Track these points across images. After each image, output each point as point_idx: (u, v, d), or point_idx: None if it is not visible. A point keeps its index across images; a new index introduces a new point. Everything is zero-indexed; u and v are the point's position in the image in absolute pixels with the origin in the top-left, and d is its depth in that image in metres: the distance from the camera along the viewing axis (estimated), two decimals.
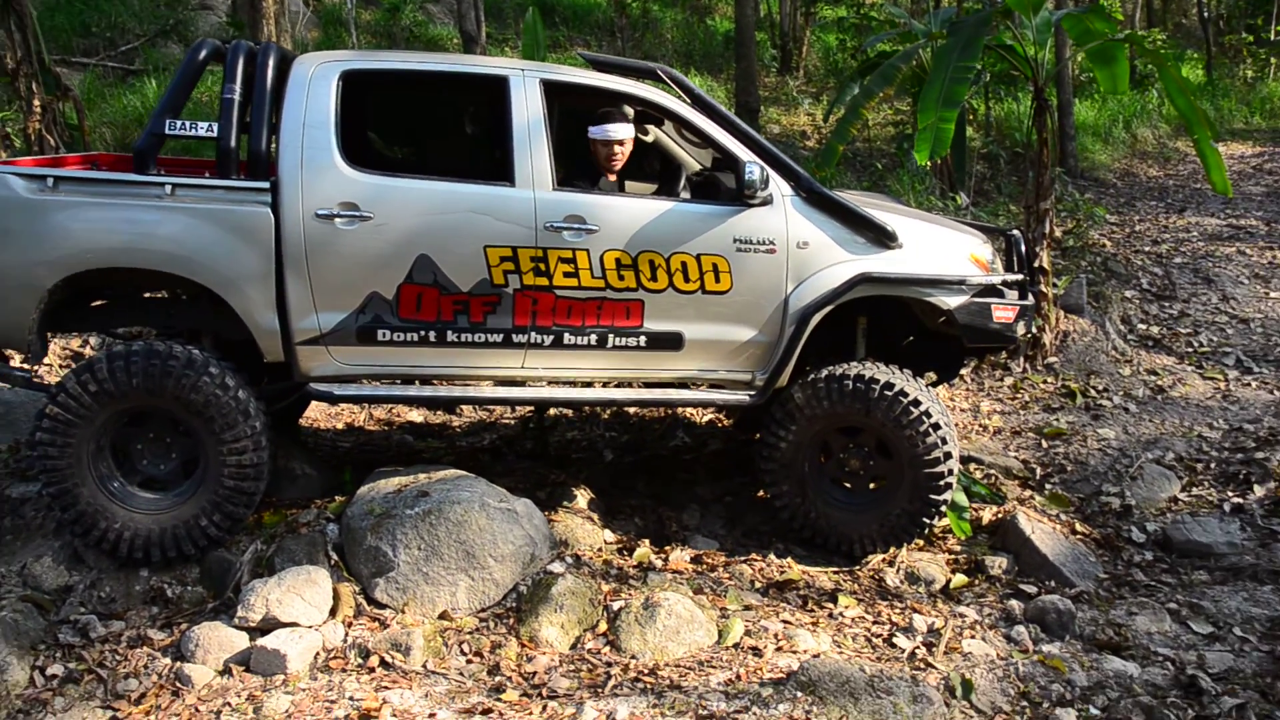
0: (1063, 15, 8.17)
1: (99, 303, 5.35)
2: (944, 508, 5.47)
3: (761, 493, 5.69)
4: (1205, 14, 22.60)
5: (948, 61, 7.32)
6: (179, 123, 4.89)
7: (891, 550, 5.49)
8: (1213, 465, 6.58)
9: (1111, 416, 7.30)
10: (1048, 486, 6.38)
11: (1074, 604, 5.07)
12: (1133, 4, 21.82)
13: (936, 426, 5.24)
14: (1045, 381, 7.91)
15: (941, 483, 5.31)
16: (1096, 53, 7.76)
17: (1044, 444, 6.92)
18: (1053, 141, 9.74)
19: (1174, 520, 5.96)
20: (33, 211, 4.62)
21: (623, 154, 5.42)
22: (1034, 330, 7.45)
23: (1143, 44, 9.38)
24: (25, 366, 5.78)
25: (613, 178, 5.52)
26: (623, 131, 5.36)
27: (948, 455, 5.28)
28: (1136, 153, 15.44)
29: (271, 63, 4.97)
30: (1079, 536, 5.84)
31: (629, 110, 5.47)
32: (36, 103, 8.37)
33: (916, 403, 5.20)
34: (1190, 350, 8.53)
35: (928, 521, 5.42)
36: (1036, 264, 7.96)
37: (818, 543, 5.53)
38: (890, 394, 5.20)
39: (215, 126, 4.87)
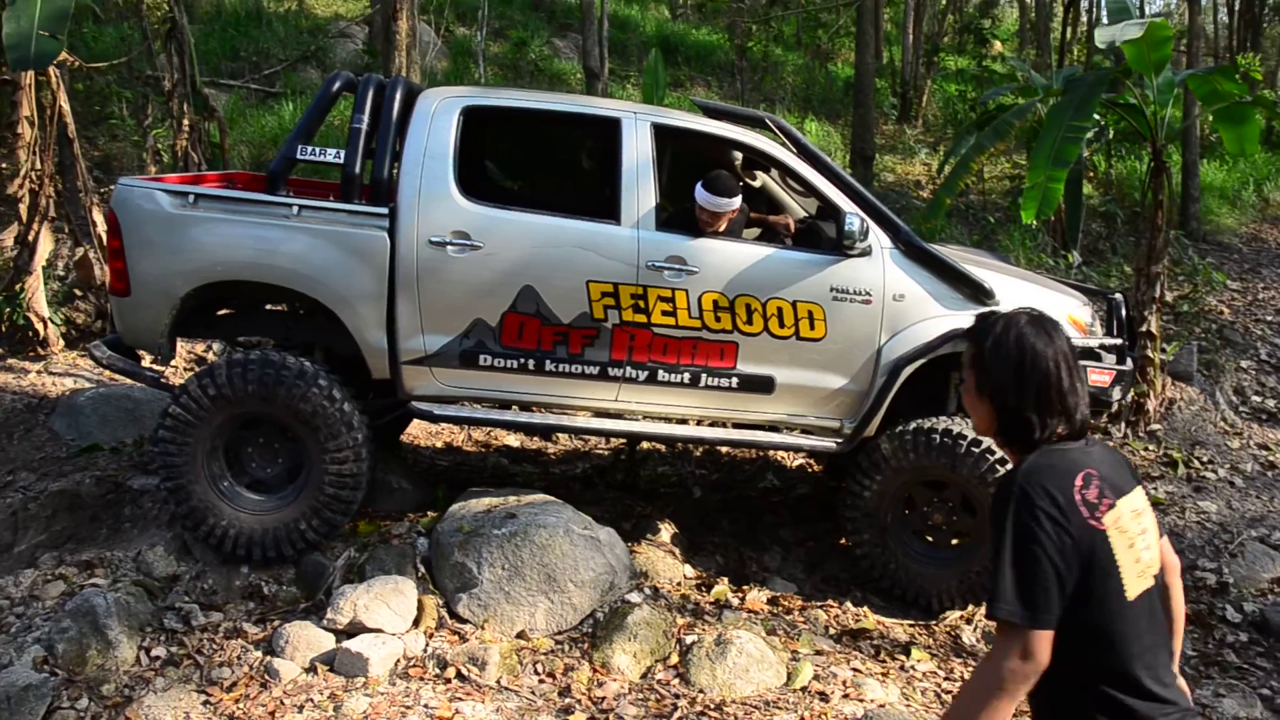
0: (1188, 75, 8.02)
1: (224, 313, 5.70)
2: None
3: (843, 539, 5.72)
4: None
5: (1061, 120, 7.28)
6: (310, 148, 5.24)
7: (970, 608, 5.45)
8: None
9: (1215, 490, 7.09)
10: None
11: None
12: (1276, 61, 21.10)
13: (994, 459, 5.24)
14: (1147, 449, 7.72)
15: None
16: (1223, 114, 7.61)
17: None
18: (1170, 203, 9.52)
19: (1275, 603, 5.78)
20: (174, 225, 4.99)
21: (724, 224, 5.38)
22: (1130, 396, 7.32)
23: (1273, 108, 9.13)
24: (155, 367, 6.18)
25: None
26: (729, 205, 5.29)
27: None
28: (1267, 217, 14.87)
29: (399, 95, 5.29)
30: None
31: (739, 182, 5.54)
32: (186, 122, 8.94)
33: (1003, 460, 5.19)
34: None
35: None
36: (1144, 328, 7.80)
37: (896, 593, 5.54)
38: (977, 450, 5.19)
39: (342, 154, 5.20)
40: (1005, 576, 2.13)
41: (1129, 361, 5.67)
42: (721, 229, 5.39)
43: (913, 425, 5.34)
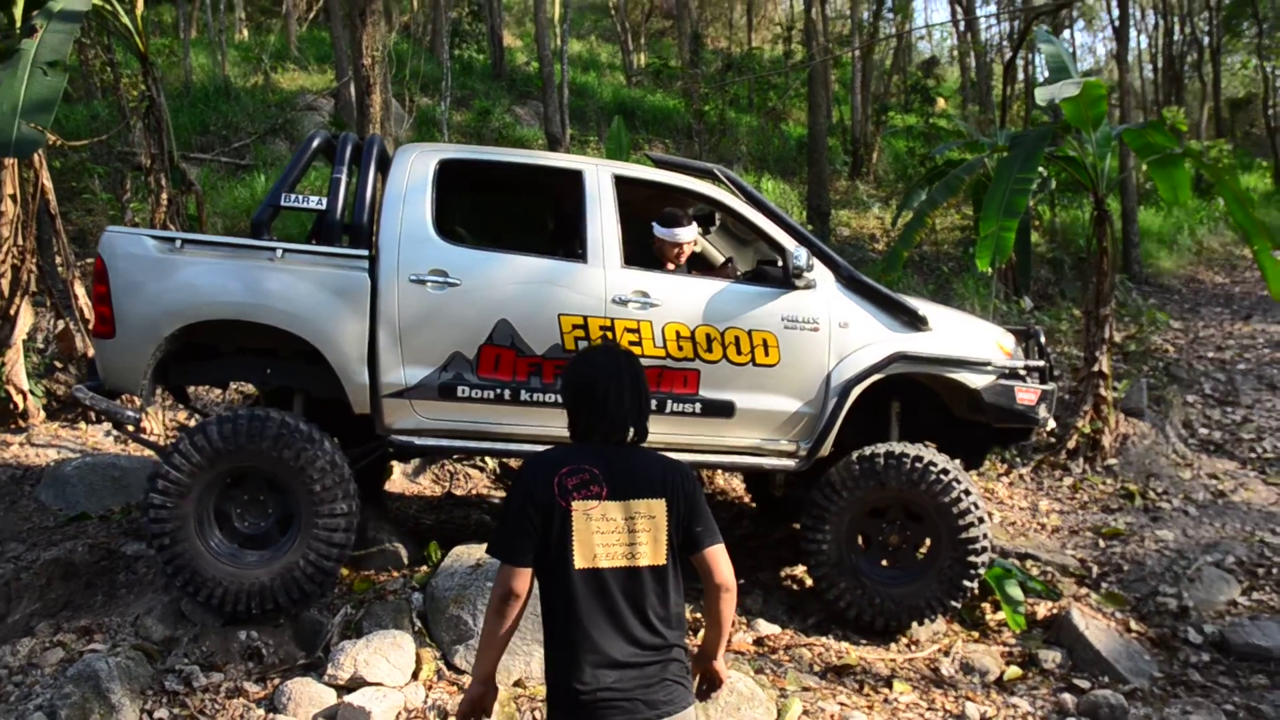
0: (1123, 129, 8.50)
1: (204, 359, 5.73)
2: (984, 560, 5.70)
3: (829, 599, 5.81)
4: (1272, 124, 22.68)
5: (1009, 173, 7.69)
6: (294, 196, 5.49)
7: (947, 640, 5.69)
8: (1274, 570, 6.64)
9: (1171, 519, 7.40)
10: (1104, 585, 6.51)
11: (1127, 700, 5.20)
12: (1201, 114, 22.04)
13: (962, 486, 5.62)
14: (1104, 482, 8.05)
15: (977, 531, 5.62)
16: (1158, 164, 8.07)
17: (1101, 543, 7.06)
18: (1114, 249, 9.98)
19: (1232, 623, 6.04)
20: (160, 267, 5.15)
21: (685, 253, 5.87)
22: (1079, 431, 7.66)
23: (1200, 159, 9.66)
24: (136, 411, 6.22)
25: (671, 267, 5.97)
26: (687, 235, 5.84)
27: (976, 504, 5.65)
28: (1203, 259, 15.51)
29: (375, 150, 5.64)
30: (1134, 635, 5.96)
31: (689, 214, 5.92)
32: (164, 195, 9.10)
33: (945, 470, 5.60)
34: (1253, 456, 8.59)
35: (975, 573, 5.66)
36: (1096, 368, 8.17)
37: (891, 628, 5.74)
38: (921, 464, 5.57)
39: (324, 201, 5.49)
40: (498, 525, 2.94)
41: (1051, 383, 6.04)
42: (682, 260, 5.80)
43: (855, 455, 5.67)
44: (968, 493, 5.60)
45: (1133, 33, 20.12)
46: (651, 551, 2.87)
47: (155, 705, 4.77)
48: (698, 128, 18.09)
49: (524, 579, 2.85)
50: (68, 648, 5.08)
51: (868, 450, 5.65)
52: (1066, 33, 22.84)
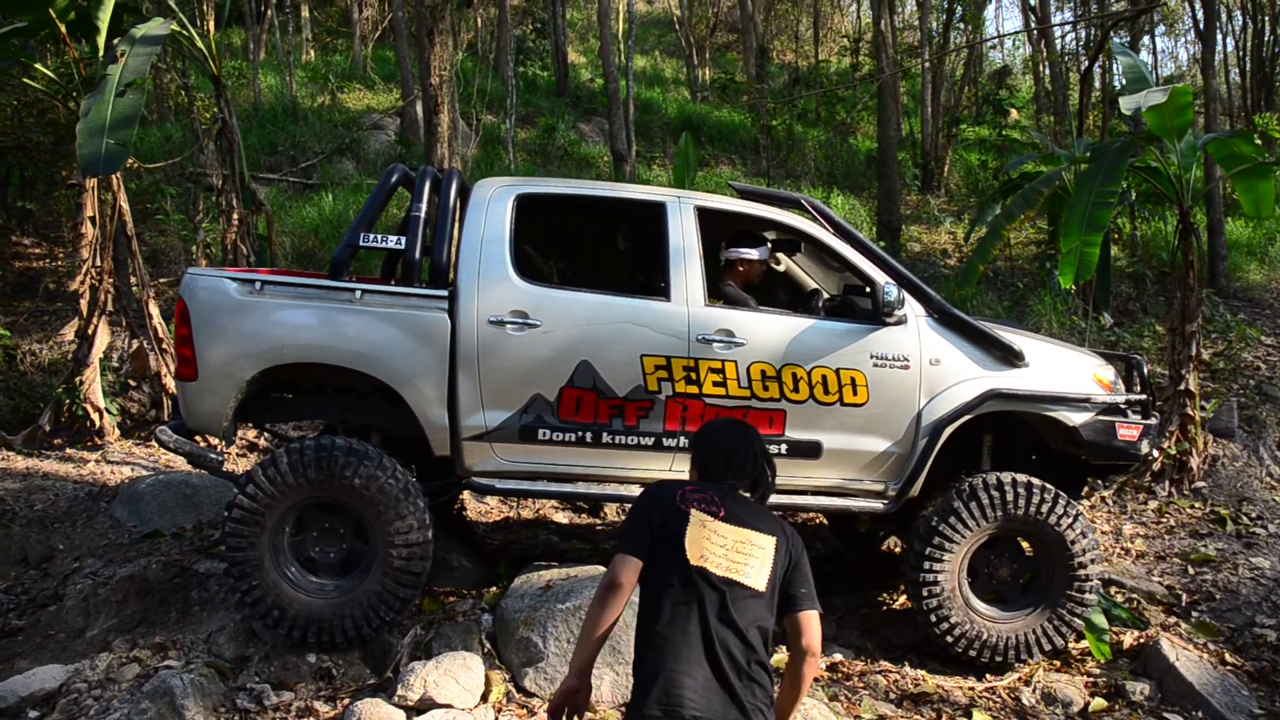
0: (1209, 139, 8.21)
1: (284, 396, 5.80)
2: (1093, 600, 5.54)
3: (937, 631, 5.54)
4: None
5: (1091, 186, 7.47)
6: (372, 236, 5.43)
7: (1027, 669, 5.48)
8: None
9: (1266, 545, 7.08)
10: (1194, 614, 6.23)
11: None
12: None
13: (1085, 522, 5.48)
14: (1192, 506, 7.74)
15: (1092, 570, 5.47)
16: (1242, 176, 7.78)
17: (1190, 570, 6.76)
18: (1200, 262, 9.64)
19: None
20: (241, 311, 5.16)
21: (755, 272, 5.81)
22: (1165, 452, 7.39)
23: None
24: (218, 452, 6.34)
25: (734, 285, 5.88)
26: (755, 253, 5.78)
27: (1095, 542, 5.52)
28: None
29: (454, 185, 5.55)
30: (1229, 668, 5.69)
31: (765, 235, 5.83)
32: (235, 216, 9.28)
33: (1070, 504, 5.44)
34: None
35: (1084, 611, 5.50)
36: (1183, 386, 7.88)
37: (996, 663, 5.52)
38: (1049, 496, 5.41)
39: (404, 240, 5.41)
40: (624, 525, 3.11)
41: (1153, 417, 5.81)
42: (753, 279, 5.77)
43: (964, 484, 5.47)
44: (1088, 529, 5.46)
45: (1218, 36, 19.49)
46: (756, 576, 2.97)
47: None
48: (765, 143, 17.97)
49: (632, 569, 2.97)
50: (143, 663, 5.15)
51: (993, 478, 5.45)
52: (1146, 38, 22.27)
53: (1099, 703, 5.31)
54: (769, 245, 6.05)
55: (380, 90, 20.79)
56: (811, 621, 3.04)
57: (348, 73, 21.72)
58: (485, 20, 24.42)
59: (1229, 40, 25.02)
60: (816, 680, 5.22)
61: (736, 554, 2.97)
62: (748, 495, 3.25)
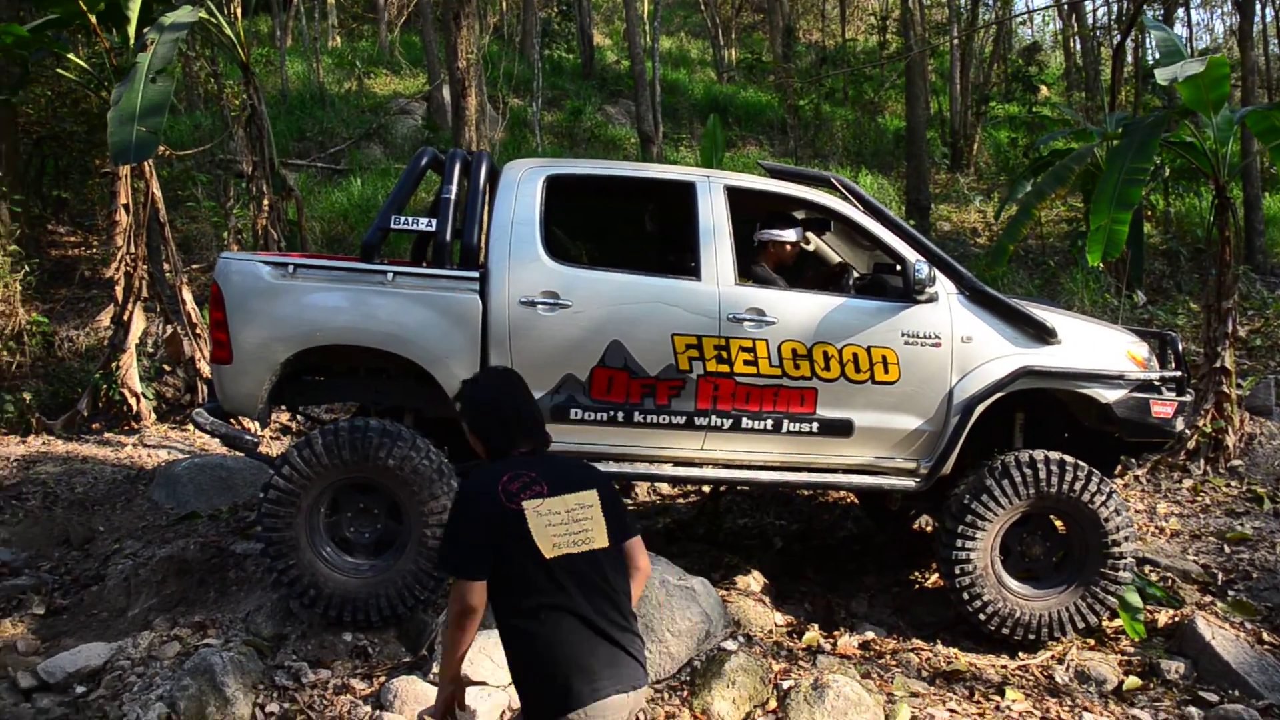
0: (1247, 112, 8.05)
1: (316, 379, 5.83)
2: (1127, 578, 5.52)
3: (970, 609, 5.52)
4: None
5: (1122, 162, 7.36)
6: (403, 218, 5.45)
7: (1061, 647, 5.47)
8: None
9: None
10: (1230, 593, 6.17)
11: (1262, 716, 4.91)
12: None
13: (1119, 500, 5.46)
14: (1228, 485, 7.66)
15: (1127, 548, 5.45)
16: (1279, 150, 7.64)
17: (1226, 549, 6.70)
18: (1236, 238, 9.52)
19: None
20: (275, 294, 5.20)
21: (790, 254, 5.76)
22: (1200, 430, 7.32)
23: None
24: (252, 433, 6.42)
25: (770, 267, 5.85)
26: (791, 235, 5.74)
27: (1130, 520, 5.50)
28: None
29: (484, 168, 5.56)
30: (1266, 646, 5.64)
31: (796, 216, 5.80)
32: (265, 201, 9.35)
33: (1104, 482, 5.41)
34: None
35: (1118, 590, 5.49)
36: (1219, 364, 7.78)
37: (1028, 641, 5.51)
38: (1084, 474, 5.38)
39: (434, 222, 5.43)
40: (445, 546, 3.06)
41: (1188, 394, 5.75)
42: (787, 261, 5.71)
43: (998, 461, 5.45)
44: (1123, 507, 5.43)
45: (1256, 6, 19.05)
46: (600, 534, 3.09)
47: (267, 699, 4.87)
48: (792, 123, 17.88)
49: (481, 593, 2.98)
50: (184, 642, 5.24)
51: (1026, 455, 5.42)
52: (1181, 11, 21.86)
53: (1133, 681, 5.29)
54: (801, 227, 6.03)
55: (406, 75, 20.84)
56: (640, 545, 3.26)
57: (374, 58, 21.78)
58: (511, 3, 24.42)
59: (1268, 10, 24.52)
60: (848, 659, 5.24)
61: (576, 523, 3.06)
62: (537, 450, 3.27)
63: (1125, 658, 5.52)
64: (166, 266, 9.26)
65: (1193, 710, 5.00)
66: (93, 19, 8.42)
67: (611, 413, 5.28)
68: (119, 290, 8.65)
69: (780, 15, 24.51)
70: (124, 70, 7.87)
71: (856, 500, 7.56)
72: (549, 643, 2.94)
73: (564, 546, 3.00)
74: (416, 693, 4.71)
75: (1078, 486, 5.36)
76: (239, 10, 9.52)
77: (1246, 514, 7.24)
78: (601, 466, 5.50)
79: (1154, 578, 6.21)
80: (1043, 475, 5.36)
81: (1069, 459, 5.41)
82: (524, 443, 3.23)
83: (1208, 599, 6.10)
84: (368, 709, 4.71)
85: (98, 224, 12.41)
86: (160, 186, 8.87)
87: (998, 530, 5.44)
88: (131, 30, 8.60)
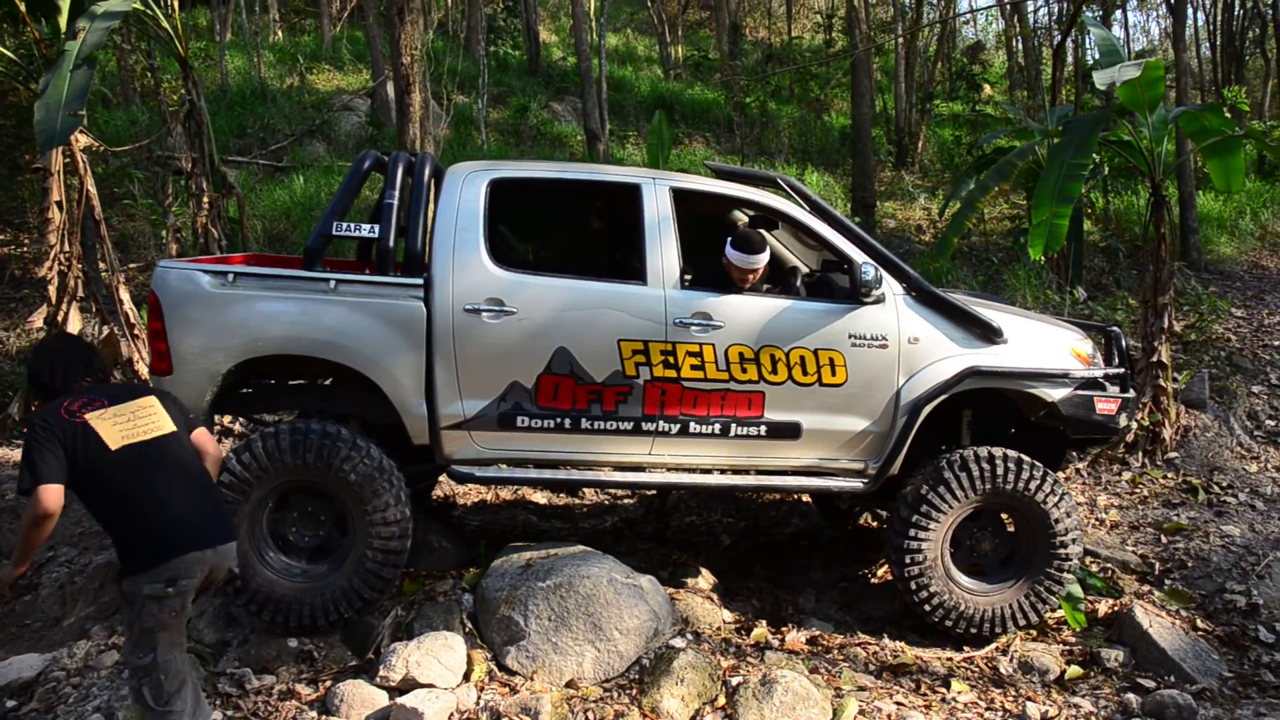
0: (1180, 113, 8.24)
1: (255, 389, 5.74)
2: (1071, 577, 5.62)
3: (916, 600, 5.58)
4: None
5: (1062, 158, 7.49)
6: (345, 224, 5.33)
7: (1004, 639, 5.55)
8: None
9: (1236, 514, 7.18)
10: (1167, 582, 6.31)
11: (1195, 700, 5.03)
12: (1264, 92, 21.47)
13: (1070, 501, 5.54)
14: (1165, 477, 7.83)
15: (1073, 549, 5.54)
16: (1211, 150, 7.81)
17: (1163, 539, 6.85)
18: (1171, 235, 9.72)
19: None
20: (215, 303, 5.07)
21: (757, 278, 5.64)
22: (1138, 423, 7.47)
23: (1263, 139, 9.36)
24: None
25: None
26: (760, 261, 5.57)
27: (1077, 521, 5.58)
28: (1266, 244, 15.07)
29: (428, 171, 5.47)
30: (1200, 633, 5.78)
31: (762, 241, 5.69)
32: (205, 200, 9.13)
33: (1057, 482, 5.51)
34: None
35: (1062, 587, 5.60)
36: (1155, 358, 7.95)
37: (972, 635, 5.57)
38: (1039, 473, 5.47)
39: (377, 228, 5.33)
40: (23, 468, 3.53)
41: (1131, 390, 5.86)
42: (752, 283, 5.61)
43: (942, 460, 5.49)
44: (1073, 510, 5.51)
45: (1189, 10, 19.54)
46: (166, 422, 3.83)
47: (210, 707, 4.76)
48: (738, 121, 17.92)
49: (58, 496, 3.52)
50: (122, 650, 5.10)
51: (985, 451, 5.48)
52: (1118, 12, 22.31)
53: (1075, 670, 5.39)
54: (768, 250, 5.83)
55: (350, 71, 20.56)
56: (206, 434, 4.08)
57: (317, 53, 21.45)
58: None
59: (1199, 14, 25.17)
60: (796, 653, 5.27)
61: (141, 418, 3.76)
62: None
63: (1067, 647, 5.62)
64: (102, 266, 9.01)
65: (1131, 697, 5.11)
66: (21, 7, 8.16)
67: (559, 420, 5.24)
68: (52, 290, 8.39)
69: (726, 12, 24.59)
70: (53, 59, 7.65)
71: (806, 498, 7.60)
72: (139, 508, 3.62)
73: (132, 436, 3.68)
74: (363, 696, 4.66)
75: (1032, 485, 5.43)
76: (176, 2, 9.29)
77: (1182, 505, 7.41)
78: (550, 473, 5.52)
79: (1094, 568, 6.33)
80: (999, 471, 5.42)
81: (1025, 458, 5.48)
82: (82, 378, 3.88)
83: (1145, 588, 6.24)
84: (314, 714, 4.66)
85: (29, 222, 12.09)
86: (95, 183, 8.63)
87: (951, 523, 5.49)
88: (63, 20, 8.35)
